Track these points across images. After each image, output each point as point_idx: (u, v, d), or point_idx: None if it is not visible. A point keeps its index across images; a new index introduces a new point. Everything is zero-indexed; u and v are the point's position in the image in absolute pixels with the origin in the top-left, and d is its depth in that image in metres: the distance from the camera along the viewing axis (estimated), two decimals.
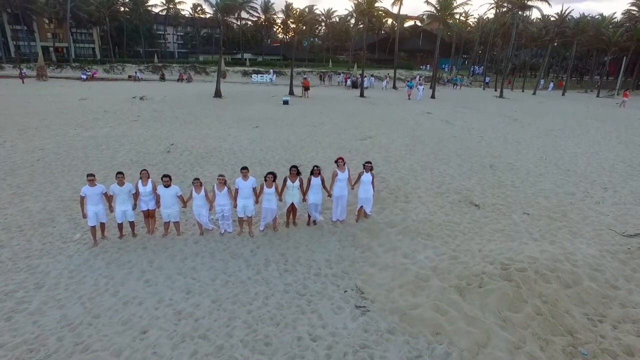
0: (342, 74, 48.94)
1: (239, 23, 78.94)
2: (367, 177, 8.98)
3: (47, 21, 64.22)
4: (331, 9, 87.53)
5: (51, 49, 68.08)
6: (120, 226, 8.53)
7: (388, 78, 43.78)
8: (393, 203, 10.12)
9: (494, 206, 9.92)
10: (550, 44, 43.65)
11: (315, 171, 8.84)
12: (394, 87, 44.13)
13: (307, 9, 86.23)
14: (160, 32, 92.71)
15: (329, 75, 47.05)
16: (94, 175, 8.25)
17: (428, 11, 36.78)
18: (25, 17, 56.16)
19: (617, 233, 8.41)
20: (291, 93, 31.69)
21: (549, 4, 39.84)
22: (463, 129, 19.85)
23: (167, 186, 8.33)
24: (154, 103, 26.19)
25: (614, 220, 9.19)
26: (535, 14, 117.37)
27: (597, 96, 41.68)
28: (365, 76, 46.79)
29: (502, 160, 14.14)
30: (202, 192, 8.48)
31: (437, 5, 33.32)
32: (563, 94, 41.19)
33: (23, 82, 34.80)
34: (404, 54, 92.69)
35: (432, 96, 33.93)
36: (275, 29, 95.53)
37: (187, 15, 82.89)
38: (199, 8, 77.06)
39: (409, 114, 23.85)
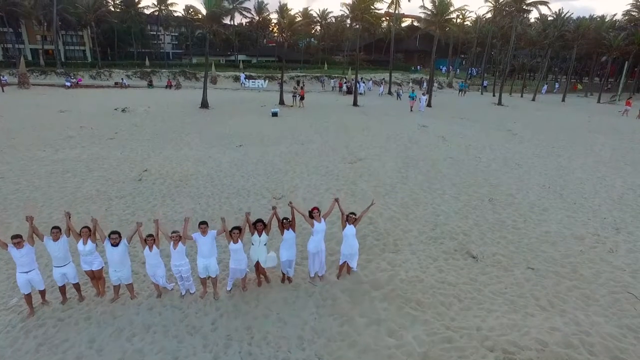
0: (336, 78, 47.71)
1: (231, 23, 77.81)
2: (350, 230, 7.78)
3: (35, 23, 62.61)
4: (326, 9, 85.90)
5: (40, 51, 66.69)
6: (62, 289, 7.33)
7: (384, 84, 42.59)
8: (380, 253, 8.94)
9: (494, 257, 8.76)
10: (549, 48, 42.54)
11: (286, 224, 7.66)
12: (390, 92, 43.00)
13: (299, 14, 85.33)
14: (154, 33, 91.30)
15: (321, 80, 45.79)
16: (59, 229, 6.99)
17: (424, 12, 35.78)
18: (12, 20, 54.59)
19: (637, 299, 7.27)
20: (281, 103, 30.45)
21: (548, 7, 38.69)
22: (460, 147, 18.67)
23: (115, 244, 7.11)
24: (135, 116, 24.92)
25: (632, 277, 8.05)
26: (533, 14, 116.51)
27: (598, 102, 40.59)
28: (361, 81, 45.78)
29: (501, 190, 12.97)
30: (156, 249, 7.27)
31: (433, 10, 32.11)
32: (563, 100, 40.06)
33: (3, 91, 33.41)
34: (401, 55, 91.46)
35: (429, 104, 32.75)
36: (270, 29, 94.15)
37: (180, 16, 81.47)
38: (191, 10, 75.49)
39: (403, 128, 22.67)
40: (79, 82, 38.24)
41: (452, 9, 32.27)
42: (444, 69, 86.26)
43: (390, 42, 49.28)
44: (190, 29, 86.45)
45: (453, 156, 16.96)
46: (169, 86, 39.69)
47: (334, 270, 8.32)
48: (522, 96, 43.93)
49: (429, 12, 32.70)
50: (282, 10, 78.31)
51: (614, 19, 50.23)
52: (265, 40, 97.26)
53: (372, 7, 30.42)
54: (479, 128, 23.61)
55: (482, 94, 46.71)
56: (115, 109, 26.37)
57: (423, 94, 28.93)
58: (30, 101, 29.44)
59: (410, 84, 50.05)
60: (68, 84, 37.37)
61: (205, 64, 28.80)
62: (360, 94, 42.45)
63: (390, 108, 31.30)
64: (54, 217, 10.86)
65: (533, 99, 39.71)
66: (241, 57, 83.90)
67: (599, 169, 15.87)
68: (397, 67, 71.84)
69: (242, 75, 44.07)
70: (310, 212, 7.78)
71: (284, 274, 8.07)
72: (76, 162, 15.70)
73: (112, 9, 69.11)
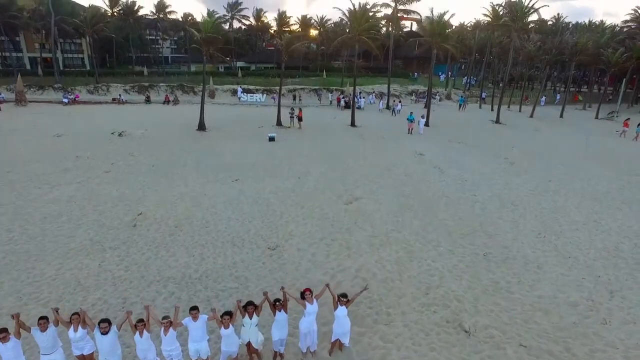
0: (334, 92, 47.65)
1: (230, 29, 77.52)
2: (342, 311, 7.76)
3: (33, 31, 62.41)
4: (325, 16, 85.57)
5: (38, 59, 66.57)
6: None
7: (383, 97, 42.41)
8: (373, 325, 8.91)
9: (486, 332, 8.72)
10: (548, 65, 42.52)
11: (278, 305, 7.63)
12: (387, 106, 42.94)
13: (298, 22, 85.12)
14: (152, 37, 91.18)
15: (318, 94, 45.61)
16: (46, 319, 6.93)
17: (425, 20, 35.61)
18: (9, 31, 54.52)
19: None
20: (278, 124, 30.39)
21: (546, 22, 38.56)
22: (456, 182, 18.64)
23: (104, 333, 7.07)
24: (132, 141, 24.86)
25: (624, 358, 8.02)
26: (532, 17, 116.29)
27: (596, 117, 40.58)
28: (359, 95, 45.71)
29: (497, 241, 12.93)
30: (146, 334, 7.24)
31: (430, 31, 32.06)
32: (561, 116, 39.99)
33: (0, 109, 33.34)
34: (400, 62, 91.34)
35: (426, 123, 32.73)
36: (268, 34, 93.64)
37: (180, 20, 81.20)
38: (190, 18, 75.43)
39: (400, 157, 22.63)
40: (77, 99, 38.12)
41: (449, 30, 32.18)
42: (442, 75, 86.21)
43: (389, 50, 49.29)
44: (188, 37, 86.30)
45: (449, 194, 16.92)
46: (166, 102, 39.62)
47: (326, 344, 8.30)
48: (520, 110, 43.85)
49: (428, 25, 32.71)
50: (281, 17, 78.41)
51: (614, 30, 50.28)
52: (264, 44, 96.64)
53: (373, 31, 30.30)
54: (476, 156, 23.56)
55: (480, 107, 46.64)
56: (112, 133, 26.30)
57: (422, 117, 28.80)
58: (27, 122, 29.36)
59: (411, 99, 49.99)
60: (66, 100, 37.29)
61: (202, 87, 28.65)
62: (359, 108, 42.52)
63: (388, 128, 31.24)
64: (47, 274, 10.86)
65: (531, 115, 39.62)
66: (240, 63, 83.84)
67: (595, 210, 15.84)
68: (396, 74, 71.70)
69: (239, 89, 43.96)
70: (302, 293, 7.77)
71: (275, 352, 8.06)
72: (71, 202, 15.65)
73: (111, 17, 69.18)
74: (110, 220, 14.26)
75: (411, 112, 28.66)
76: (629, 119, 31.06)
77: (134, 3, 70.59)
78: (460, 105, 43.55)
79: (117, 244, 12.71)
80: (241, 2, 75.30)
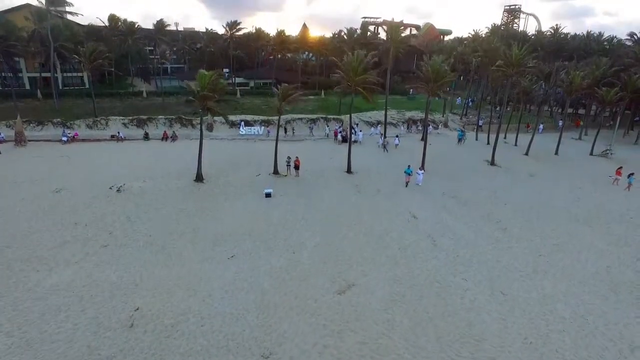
0: (331, 121, 47.94)
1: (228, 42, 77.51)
2: None
3: (32, 55, 62.65)
4: (324, 35, 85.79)
5: (38, 79, 66.92)
6: None
7: (381, 134, 42.33)
8: None
9: None
10: (543, 103, 42.86)
11: None
12: (385, 136, 43.10)
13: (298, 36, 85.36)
14: (151, 48, 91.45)
15: (310, 127, 45.53)
16: None
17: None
18: (9, 58, 54.84)
19: None
20: (275, 172, 30.71)
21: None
22: (447, 258, 19.01)
23: None
24: (130, 199, 25.17)
25: None
26: (531, 23, 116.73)
27: (591, 154, 40.93)
28: (357, 127, 45.97)
29: (484, 350, 13.27)
30: None
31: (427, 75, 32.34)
32: (556, 152, 40.27)
33: (0, 153, 33.69)
34: (398, 78, 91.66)
35: (422, 166, 33.11)
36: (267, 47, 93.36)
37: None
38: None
39: (394, 221, 22.96)
40: (75, 137, 38.40)
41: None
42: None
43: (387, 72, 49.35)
44: (187, 57, 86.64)
45: (440, 279, 17.27)
46: (165, 138, 39.92)
47: None
48: (516, 143, 44.03)
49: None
50: (279, 36, 78.52)
51: (610, 63, 50.60)
52: (263, 53, 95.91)
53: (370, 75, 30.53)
54: (469, 219, 23.89)
55: (477, 138, 46.81)
56: (110, 188, 26.61)
57: (420, 168, 29.00)
58: (26, 171, 29.59)
59: (406, 130, 50.30)
60: (65, 138, 37.62)
61: (200, 136, 28.88)
62: (355, 142, 42.79)
63: (384, 175, 31.54)
64: None
65: (526, 152, 39.92)
66: (238, 79, 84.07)
67: (582, 299, 16.20)
68: (394, 91, 71.87)
69: (241, 125, 44.27)
70: None
71: None
72: (69, 291, 15.99)
73: (109, 35, 69.51)
74: (107, 318, 14.59)
75: (409, 165, 28.87)
76: (621, 167, 31.36)
77: (132, 23, 70.94)
78: (459, 140, 43.69)
79: (113, 351, 13.07)
80: (240, 22, 75.38)
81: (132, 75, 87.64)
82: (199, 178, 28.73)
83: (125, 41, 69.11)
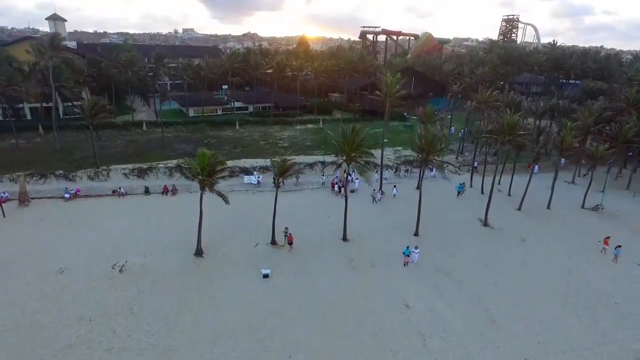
0: (330, 169, 48.62)
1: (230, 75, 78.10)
2: None
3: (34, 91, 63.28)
4: (323, 62, 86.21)
5: (39, 108, 67.73)
6: None
7: (378, 190, 42.89)
8: None
9: None
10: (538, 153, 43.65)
11: None
12: (381, 187, 43.84)
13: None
14: (152, 66, 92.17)
15: (296, 177, 44.85)
16: None
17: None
18: (11, 101, 55.76)
19: None
20: (273, 242, 31.56)
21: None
22: None
23: None
24: (132, 280, 26.08)
25: None
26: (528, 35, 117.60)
27: (582, 207, 41.81)
28: (353, 174, 46.61)
29: None
30: None
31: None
32: (548, 207, 41.11)
33: (4, 216, 34.50)
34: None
35: (416, 232, 34.05)
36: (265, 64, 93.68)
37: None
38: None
39: (387, 314, 23.85)
40: (78, 193, 39.18)
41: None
42: (441, 111, 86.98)
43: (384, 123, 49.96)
44: (188, 73, 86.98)
45: None
46: (165, 192, 40.72)
47: None
48: (510, 192, 44.87)
49: None
50: (279, 65, 79.12)
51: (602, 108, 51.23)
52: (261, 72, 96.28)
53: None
54: (459, 305, 24.84)
55: (471, 184, 47.51)
56: (113, 267, 27.47)
57: (415, 247, 29.76)
58: (28, 244, 30.24)
59: (400, 171, 50.99)
60: (67, 195, 38.40)
61: (200, 216, 29.48)
62: (352, 191, 43.59)
63: (379, 244, 32.42)
64: None
65: (519, 207, 40.77)
66: (237, 104, 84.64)
67: None
68: (391, 116, 72.31)
69: (245, 178, 44.95)
70: None
71: None
72: None
73: (111, 66, 70.23)
74: None
75: (407, 246, 29.61)
76: (608, 237, 32.23)
77: (134, 56, 71.69)
78: (458, 193, 44.23)
79: None
80: (239, 53, 76.09)
81: (132, 98, 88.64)
82: (198, 253, 29.57)
83: (125, 73, 69.84)
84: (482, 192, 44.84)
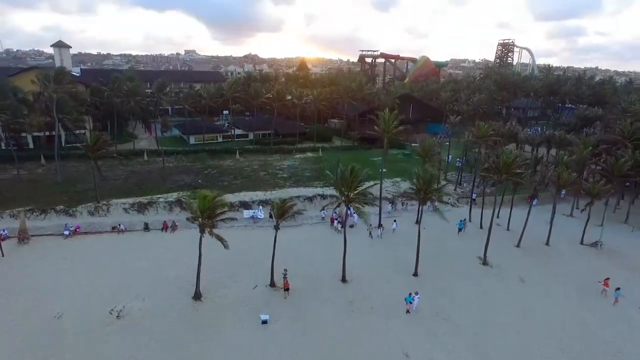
0: (328, 198, 48.90)
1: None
2: None
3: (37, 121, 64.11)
4: (322, 90, 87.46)
5: (41, 137, 68.43)
6: None
7: (377, 226, 42.89)
8: None
9: None
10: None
11: None
12: (380, 222, 43.90)
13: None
14: (152, 91, 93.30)
15: (295, 216, 44.30)
16: None
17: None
18: (14, 132, 56.56)
19: None
20: (272, 285, 31.55)
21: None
22: None
23: None
24: (130, 329, 25.95)
25: None
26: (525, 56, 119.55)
27: (581, 243, 41.93)
28: (351, 210, 46.75)
29: None
30: None
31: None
32: (547, 243, 41.25)
33: (2, 255, 34.56)
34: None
35: (415, 272, 34.07)
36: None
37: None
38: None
39: None
40: (77, 230, 39.33)
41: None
42: (439, 136, 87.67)
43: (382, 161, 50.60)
44: (190, 102, 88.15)
45: None
46: (164, 228, 40.86)
47: None
48: (508, 227, 45.03)
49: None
50: (278, 94, 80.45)
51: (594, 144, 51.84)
52: (263, 89, 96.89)
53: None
54: (458, 352, 24.78)
55: (470, 218, 47.61)
56: (111, 312, 27.39)
57: (416, 293, 29.60)
58: (27, 287, 30.17)
59: (400, 205, 51.20)
60: (67, 232, 38.54)
61: (199, 260, 29.49)
62: (352, 226, 43.67)
63: (378, 284, 32.40)
64: None
65: (518, 244, 40.87)
66: (238, 131, 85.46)
67: None
68: (390, 145, 72.95)
69: (245, 213, 45.05)
70: None
71: None
72: None
73: (113, 96, 71.23)
74: None
75: (410, 293, 29.47)
76: (608, 278, 32.24)
77: (136, 85, 72.90)
78: (459, 230, 44.25)
79: None
80: (240, 81, 77.43)
81: (134, 124, 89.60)
82: (197, 296, 29.51)
83: (128, 102, 70.83)
84: (481, 227, 44.93)
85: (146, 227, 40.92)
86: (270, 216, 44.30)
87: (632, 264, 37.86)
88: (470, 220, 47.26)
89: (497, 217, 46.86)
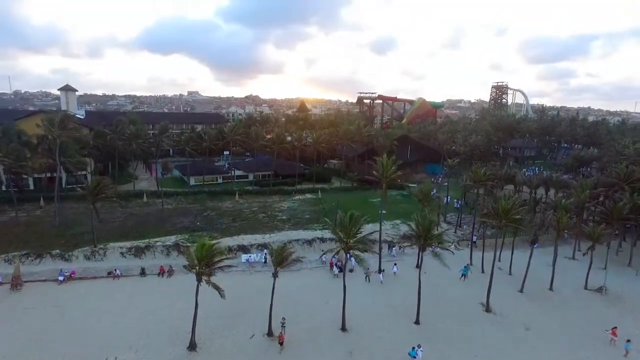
0: (327, 242, 48.57)
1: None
2: None
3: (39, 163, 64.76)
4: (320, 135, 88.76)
5: (42, 178, 68.77)
6: None
7: (376, 271, 42.33)
8: None
9: None
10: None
11: None
12: (380, 266, 43.26)
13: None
14: (153, 132, 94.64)
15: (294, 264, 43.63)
16: None
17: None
18: (16, 176, 57.14)
19: None
20: (269, 334, 30.61)
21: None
22: None
23: None
24: None
25: None
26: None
27: (585, 287, 41.18)
28: (350, 256, 46.25)
29: None
30: None
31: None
32: (550, 288, 40.52)
33: None
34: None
35: (417, 320, 33.19)
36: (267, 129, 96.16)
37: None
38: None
39: None
40: (72, 275, 38.69)
41: None
42: (438, 178, 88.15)
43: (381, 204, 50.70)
44: (191, 145, 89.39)
45: None
46: (161, 273, 40.21)
47: None
48: (510, 271, 44.35)
49: None
50: (278, 137, 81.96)
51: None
52: (264, 130, 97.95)
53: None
54: None
55: (471, 261, 46.99)
56: None
57: (419, 346, 28.67)
58: (12, 341, 29.04)
59: (397, 249, 50.66)
60: (61, 278, 37.89)
61: (195, 309, 28.79)
62: (351, 270, 42.95)
63: (379, 333, 31.46)
64: None
65: (521, 289, 40.09)
66: (238, 172, 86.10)
67: None
68: (389, 187, 73.09)
69: (243, 257, 44.59)
70: None
71: None
72: None
73: (116, 139, 72.40)
74: None
75: (413, 347, 28.57)
76: (616, 327, 31.39)
77: (139, 128, 74.48)
78: (463, 276, 43.46)
79: None
80: (241, 124, 79.16)
81: (135, 165, 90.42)
82: (192, 346, 28.55)
83: (130, 145, 72.02)
84: (483, 271, 44.27)
85: (142, 272, 40.26)
86: (265, 261, 43.85)
87: (639, 311, 36.95)
88: (471, 264, 46.59)
89: (499, 260, 46.26)
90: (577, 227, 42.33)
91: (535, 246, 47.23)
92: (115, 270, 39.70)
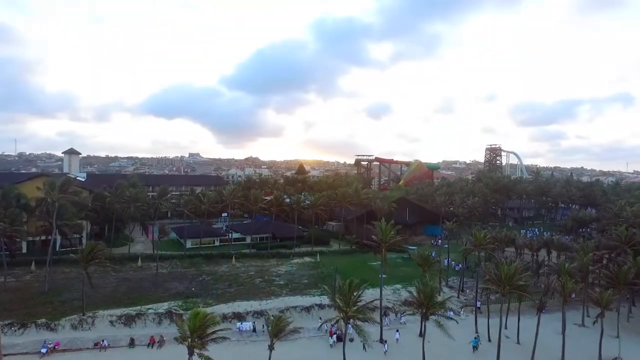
0: (326, 308, 46.71)
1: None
2: None
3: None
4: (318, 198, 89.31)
5: (37, 241, 67.70)
6: None
7: (378, 340, 40.35)
8: None
9: None
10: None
11: None
12: (382, 336, 41.23)
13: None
14: (152, 193, 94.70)
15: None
16: None
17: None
18: (11, 243, 56.55)
19: None
20: None
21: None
22: None
23: None
24: None
25: None
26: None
27: (599, 359, 38.97)
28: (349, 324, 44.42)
29: None
30: None
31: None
32: (562, 358, 38.35)
33: None
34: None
35: None
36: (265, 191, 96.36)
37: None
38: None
39: None
40: (56, 347, 36.59)
41: None
42: (437, 241, 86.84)
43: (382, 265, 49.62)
44: (189, 207, 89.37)
45: None
46: (151, 344, 38.11)
47: None
48: (518, 339, 42.21)
49: None
50: (277, 198, 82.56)
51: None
52: (262, 192, 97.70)
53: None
54: None
55: (477, 328, 44.88)
56: None
57: None
58: None
59: (401, 318, 48.71)
60: (44, 350, 35.81)
61: None
62: (352, 340, 40.80)
63: None
64: None
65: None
66: (235, 234, 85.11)
67: None
68: (388, 250, 71.86)
69: (238, 325, 42.69)
70: None
71: None
72: None
73: (115, 201, 72.46)
74: None
75: None
76: None
77: (138, 191, 75.06)
78: (473, 348, 41.14)
79: None
80: (240, 187, 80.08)
81: (132, 227, 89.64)
82: None
83: (128, 208, 72.01)
84: (489, 340, 42.15)
85: (131, 343, 38.12)
86: (254, 329, 41.97)
87: None
88: (477, 332, 44.41)
89: (505, 327, 44.25)
90: (583, 292, 41.03)
91: (543, 312, 45.53)
92: (103, 341, 37.62)
